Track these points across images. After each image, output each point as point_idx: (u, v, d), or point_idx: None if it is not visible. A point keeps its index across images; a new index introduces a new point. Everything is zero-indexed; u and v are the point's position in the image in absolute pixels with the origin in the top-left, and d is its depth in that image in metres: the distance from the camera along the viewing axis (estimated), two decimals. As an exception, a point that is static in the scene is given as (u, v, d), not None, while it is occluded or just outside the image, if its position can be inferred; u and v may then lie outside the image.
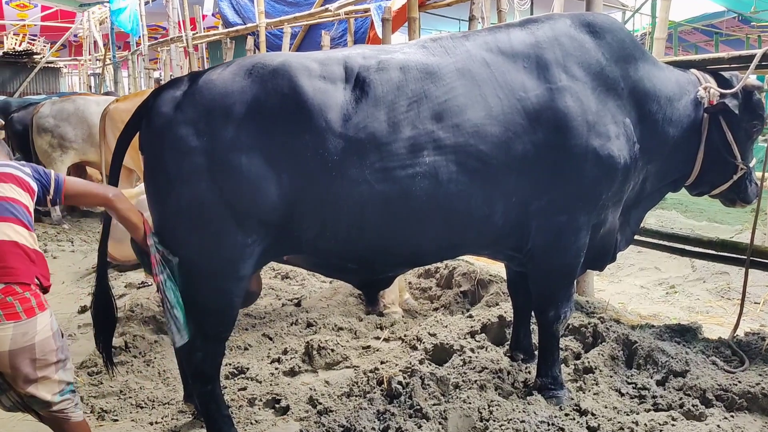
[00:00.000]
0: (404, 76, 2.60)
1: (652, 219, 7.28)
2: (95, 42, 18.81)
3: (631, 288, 5.34)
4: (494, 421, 2.83)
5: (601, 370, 3.26)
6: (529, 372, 3.31)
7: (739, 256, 3.74)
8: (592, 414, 2.86)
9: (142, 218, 2.55)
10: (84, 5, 17.20)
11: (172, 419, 3.09)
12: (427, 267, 5.05)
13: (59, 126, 7.74)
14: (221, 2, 11.94)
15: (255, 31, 9.56)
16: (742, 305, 3.57)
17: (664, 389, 3.08)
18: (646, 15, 13.75)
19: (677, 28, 15.01)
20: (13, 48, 19.19)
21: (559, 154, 2.72)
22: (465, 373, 3.25)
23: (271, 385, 3.39)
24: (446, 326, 3.85)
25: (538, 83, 2.74)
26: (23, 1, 16.52)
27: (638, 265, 5.91)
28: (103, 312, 2.74)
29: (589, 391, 3.12)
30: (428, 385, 3.14)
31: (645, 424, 2.74)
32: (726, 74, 3.28)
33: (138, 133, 2.61)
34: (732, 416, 2.85)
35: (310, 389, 3.29)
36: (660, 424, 2.74)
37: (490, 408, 2.92)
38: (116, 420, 3.13)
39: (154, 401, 3.27)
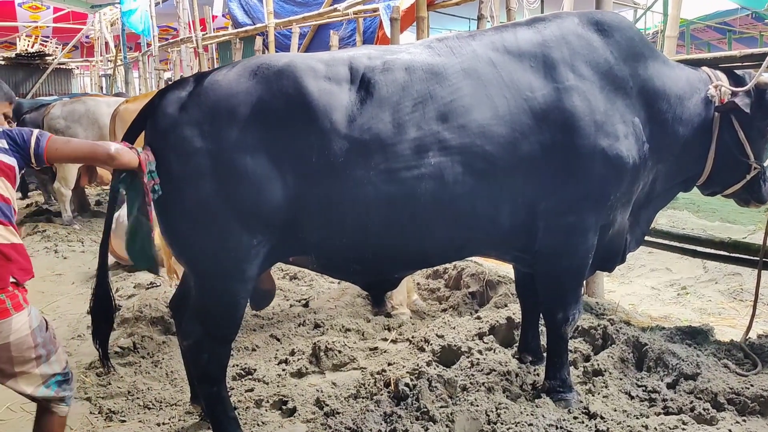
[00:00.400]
0: (409, 77, 2.59)
1: (664, 219, 7.21)
2: (106, 43, 18.96)
3: (642, 289, 5.28)
4: (502, 424, 2.80)
5: (610, 373, 3.23)
6: (538, 374, 3.28)
7: (752, 258, 3.69)
8: (602, 417, 2.82)
9: (137, 153, 2.41)
10: (95, 7, 17.33)
11: (180, 420, 3.09)
12: (435, 268, 5.03)
13: (70, 127, 7.78)
14: (231, 3, 11.97)
15: (264, 32, 9.58)
16: (754, 307, 3.52)
17: (675, 392, 3.04)
18: (657, 13, 13.65)
19: (689, 26, 14.89)
20: (26, 50, 19.35)
21: (566, 154, 2.69)
22: (473, 375, 3.23)
23: (278, 386, 3.38)
24: (454, 328, 3.82)
25: (545, 83, 2.71)
26: (36, 2, 16.65)
27: (649, 266, 5.85)
28: (102, 308, 2.72)
29: (599, 393, 3.08)
30: (435, 387, 3.12)
31: (655, 428, 2.71)
32: (740, 72, 3.23)
33: (143, 133, 2.61)
34: (744, 420, 2.81)
35: (317, 391, 3.28)
36: (670, 428, 2.71)
37: (498, 411, 2.89)
38: (124, 421, 3.13)
39: (161, 402, 3.27)
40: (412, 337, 3.90)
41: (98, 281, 2.68)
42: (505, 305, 4.09)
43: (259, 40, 9.70)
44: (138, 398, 3.30)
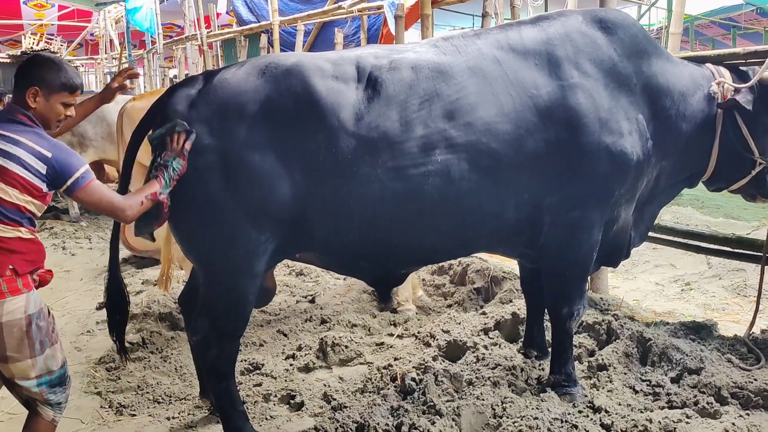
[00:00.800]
0: (416, 75, 2.62)
1: (668, 215, 7.21)
2: (111, 41, 19.02)
3: (646, 285, 5.30)
4: (507, 417, 2.83)
5: (615, 367, 3.25)
6: (543, 369, 3.31)
7: (755, 253, 3.71)
8: (606, 411, 2.85)
9: (149, 189, 2.39)
10: (100, 4, 17.33)
11: (189, 414, 3.14)
12: (441, 264, 5.06)
13: (79, 125, 7.82)
14: (235, 0, 12.00)
15: (269, 29, 9.60)
16: (758, 302, 3.54)
17: (679, 387, 3.06)
18: (662, 9, 13.62)
19: (694, 22, 14.84)
20: (31, 47, 19.38)
21: (571, 151, 2.72)
22: (478, 369, 3.26)
23: (285, 381, 3.42)
24: (459, 323, 3.86)
25: (550, 80, 2.74)
26: (41, 0, 16.70)
27: (653, 261, 5.86)
28: (116, 300, 2.78)
29: (603, 388, 3.11)
30: (441, 381, 3.15)
31: (659, 422, 2.73)
32: (744, 68, 3.24)
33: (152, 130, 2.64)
34: (747, 414, 2.83)
35: (325, 385, 3.32)
36: (674, 422, 2.73)
37: (504, 405, 2.92)
38: (134, 415, 3.18)
39: (170, 396, 3.32)
40: (418, 333, 3.94)
41: (110, 274, 2.73)
42: (510, 301, 4.12)
43: (264, 38, 9.73)
44: (147, 393, 3.35)
